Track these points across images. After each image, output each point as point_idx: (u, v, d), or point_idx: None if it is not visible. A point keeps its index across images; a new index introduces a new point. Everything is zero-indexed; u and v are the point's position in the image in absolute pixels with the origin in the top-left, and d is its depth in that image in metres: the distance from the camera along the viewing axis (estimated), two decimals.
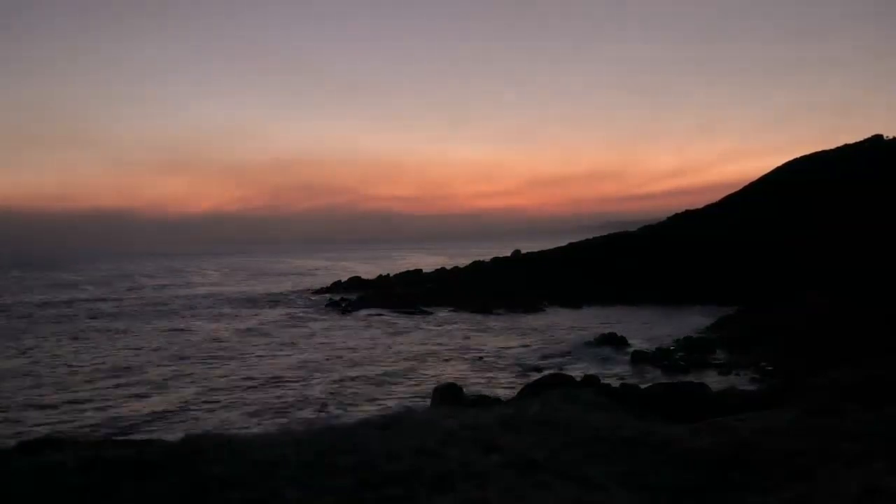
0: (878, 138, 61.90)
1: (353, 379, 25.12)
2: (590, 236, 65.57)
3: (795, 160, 65.36)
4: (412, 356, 29.73)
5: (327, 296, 59.52)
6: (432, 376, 25.04)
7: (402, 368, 27.10)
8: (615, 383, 19.69)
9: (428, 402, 18.78)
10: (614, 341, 30.37)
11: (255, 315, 48.52)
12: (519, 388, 20.03)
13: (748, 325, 31.82)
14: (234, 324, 43.61)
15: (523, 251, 67.15)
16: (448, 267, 70.14)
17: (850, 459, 7.69)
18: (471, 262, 67.98)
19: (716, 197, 64.85)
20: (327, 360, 29.44)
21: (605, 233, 64.53)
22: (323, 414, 20.11)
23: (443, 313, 45.66)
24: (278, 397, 22.50)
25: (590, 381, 19.32)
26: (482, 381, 24.12)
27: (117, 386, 24.52)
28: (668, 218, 63.85)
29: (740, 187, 65.36)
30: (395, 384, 24.18)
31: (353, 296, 56.63)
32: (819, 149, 67.96)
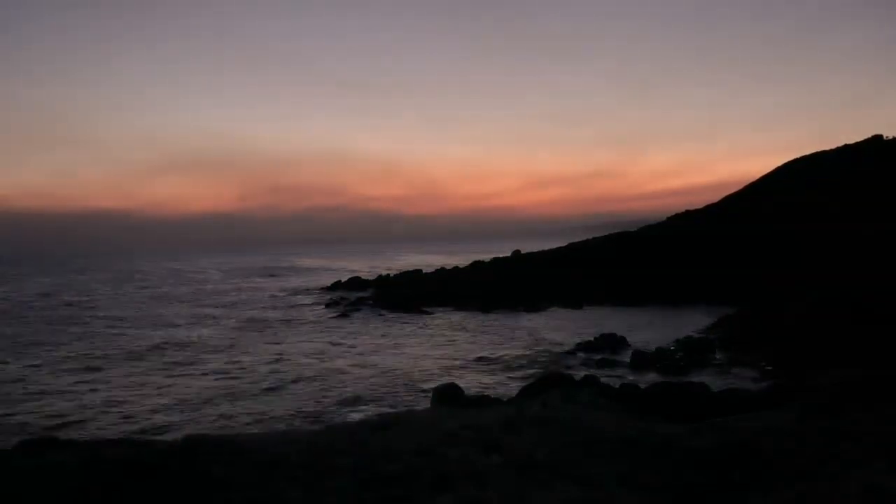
0: (878, 138, 61.96)
1: (351, 379, 25.11)
2: (589, 236, 65.54)
3: (796, 160, 65.45)
4: (412, 356, 29.73)
5: (327, 296, 59.51)
6: (432, 376, 25.02)
7: (401, 368, 27.07)
8: (615, 383, 19.66)
9: (428, 402, 18.76)
10: (614, 341, 30.34)
11: (254, 314, 48.49)
12: (519, 388, 20.01)
13: (748, 325, 31.77)
14: (231, 323, 43.59)
15: (523, 251, 67.12)
16: (448, 267, 70.11)
17: (850, 459, 7.69)
18: (470, 262, 67.95)
19: (716, 197, 64.99)
20: (326, 359, 29.42)
21: (605, 233, 64.51)
22: (322, 414, 20.07)
23: (443, 313, 45.62)
24: (277, 397, 22.49)
25: (590, 381, 19.28)
26: (482, 380, 24.10)
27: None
28: (668, 218, 63.87)
29: (740, 187, 65.42)
30: (395, 384, 24.16)
31: (353, 296, 56.65)
32: (819, 149, 68.08)
